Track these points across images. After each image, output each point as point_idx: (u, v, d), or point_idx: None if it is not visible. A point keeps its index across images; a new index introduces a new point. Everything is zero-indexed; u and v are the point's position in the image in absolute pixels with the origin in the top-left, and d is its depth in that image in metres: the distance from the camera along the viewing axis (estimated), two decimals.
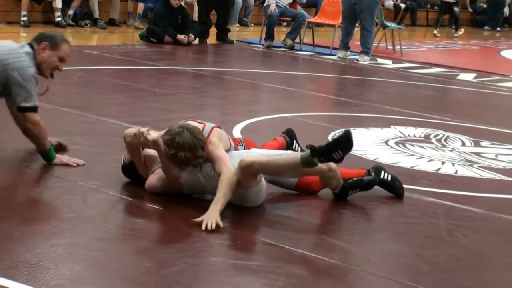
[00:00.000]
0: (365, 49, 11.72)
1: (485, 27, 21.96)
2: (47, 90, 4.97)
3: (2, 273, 3.10)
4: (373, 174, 4.60)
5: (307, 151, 4.02)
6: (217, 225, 3.80)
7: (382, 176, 4.64)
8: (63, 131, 5.44)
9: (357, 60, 11.63)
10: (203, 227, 3.77)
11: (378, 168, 4.70)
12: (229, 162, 4.13)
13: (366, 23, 11.59)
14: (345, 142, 3.98)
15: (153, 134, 4.18)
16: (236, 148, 4.52)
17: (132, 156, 4.38)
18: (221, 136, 4.33)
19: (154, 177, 4.31)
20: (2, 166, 4.71)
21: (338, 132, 4.08)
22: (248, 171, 4.03)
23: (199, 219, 3.83)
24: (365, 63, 11.54)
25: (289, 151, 4.62)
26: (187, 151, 4.05)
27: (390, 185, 4.65)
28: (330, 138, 4.27)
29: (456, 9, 18.27)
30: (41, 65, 4.64)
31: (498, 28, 21.90)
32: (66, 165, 4.69)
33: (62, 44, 4.69)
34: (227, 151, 4.30)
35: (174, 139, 4.06)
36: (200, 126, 4.30)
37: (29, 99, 4.55)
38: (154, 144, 4.16)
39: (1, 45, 4.73)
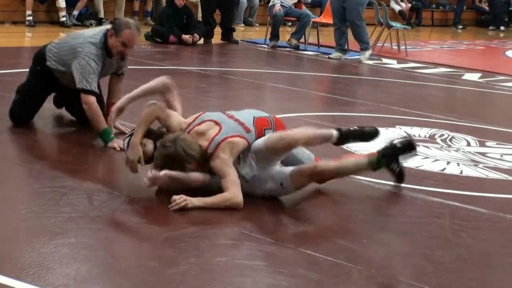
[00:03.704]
0: (364, 45, 11.48)
1: (490, 27, 21.91)
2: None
3: (8, 273, 3.11)
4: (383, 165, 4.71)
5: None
6: (184, 206, 4.04)
7: (392, 168, 4.70)
8: (68, 131, 5.46)
9: (360, 59, 11.54)
10: (173, 206, 4.03)
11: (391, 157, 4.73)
12: (237, 180, 4.17)
13: (353, 18, 11.23)
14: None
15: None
16: (261, 134, 4.38)
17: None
18: (233, 147, 4.25)
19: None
20: (6, 165, 4.72)
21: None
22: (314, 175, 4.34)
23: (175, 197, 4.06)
24: (369, 61, 11.49)
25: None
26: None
27: (396, 175, 4.76)
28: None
29: None
30: (111, 50, 5.27)
31: (502, 28, 21.82)
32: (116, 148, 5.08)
33: (124, 31, 5.19)
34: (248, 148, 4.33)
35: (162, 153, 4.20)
36: (215, 129, 4.31)
37: (83, 82, 5.16)
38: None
39: (75, 36, 5.42)
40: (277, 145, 4.24)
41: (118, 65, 5.56)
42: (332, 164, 4.37)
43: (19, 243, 3.47)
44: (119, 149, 5.03)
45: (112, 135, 5.19)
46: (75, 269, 3.21)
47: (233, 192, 4.14)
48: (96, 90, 5.25)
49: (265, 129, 4.43)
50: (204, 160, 4.24)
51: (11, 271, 3.13)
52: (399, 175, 4.74)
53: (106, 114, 5.63)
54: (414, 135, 4.71)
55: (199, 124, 4.38)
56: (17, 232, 3.64)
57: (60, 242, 3.48)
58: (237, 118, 4.42)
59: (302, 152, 4.61)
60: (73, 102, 5.47)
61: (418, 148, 4.67)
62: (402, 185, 4.84)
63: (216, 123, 4.36)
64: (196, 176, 4.22)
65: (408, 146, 4.64)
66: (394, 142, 4.64)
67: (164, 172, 4.15)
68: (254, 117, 4.46)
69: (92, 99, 5.18)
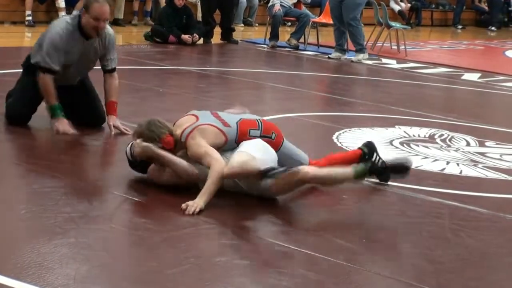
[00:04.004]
0: (358, 47, 11.39)
1: (489, 27, 21.89)
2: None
3: (7, 273, 3.11)
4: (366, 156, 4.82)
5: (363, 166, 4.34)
6: (199, 210, 3.99)
7: (374, 160, 4.75)
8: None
9: (351, 59, 11.42)
10: (186, 212, 3.95)
11: (371, 149, 4.83)
12: (216, 153, 4.20)
13: (348, 19, 11.12)
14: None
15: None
16: (245, 134, 4.40)
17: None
18: (204, 133, 4.29)
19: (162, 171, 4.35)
20: (5, 165, 4.72)
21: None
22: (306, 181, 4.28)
23: (183, 205, 3.99)
24: (369, 61, 11.47)
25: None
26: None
27: (380, 173, 4.74)
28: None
29: None
30: (85, 29, 5.30)
31: (493, 28, 21.72)
32: (60, 132, 5.24)
33: (92, 5, 5.24)
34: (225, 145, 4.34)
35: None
36: (192, 121, 4.38)
37: (39, 57, 5.28)
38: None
39: (55, 21, 5.56)
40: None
41: (99, 51, 5.50)
42: (322, 174, 4.26)
43: (18, 243, 3.47)
44: (56, 130, 5.24)
45: (60, 113, 5.30)
46: (74, 269, 3.21)
47: (214, 167, 4.12)
48: (55, 68, 5.28)
49: (250, 129, 4.45)
50: (179, 146, 4.33)
51: (10, 271, 3.13)
52: (383, 171, 4.73)
53: (102, 113, 5.63)
54: (410, 161, 4.75)
55: (181, 118, 4.51)
56: (17, 232, 3.65)
57: (59, 242, 3.48)
58: (219, 116, 4.48)
59: (300, 153, 4.65)
60: (63, 98, 5.45)
61: (409, 172, 4.61)
62: (402, 185, 4.84)
63: (196, 116, 4.43)
64: (186, 163, 4.25)
65: (400, 169, 4.57)
66: (389, 161, 4.67)
67: (152, 146, 4.29)
68: (240, 118, 4.50)
69: (48, 77, 5.26)
